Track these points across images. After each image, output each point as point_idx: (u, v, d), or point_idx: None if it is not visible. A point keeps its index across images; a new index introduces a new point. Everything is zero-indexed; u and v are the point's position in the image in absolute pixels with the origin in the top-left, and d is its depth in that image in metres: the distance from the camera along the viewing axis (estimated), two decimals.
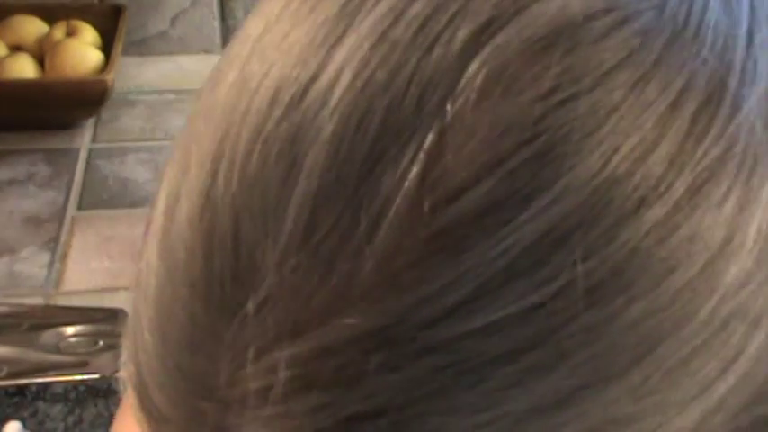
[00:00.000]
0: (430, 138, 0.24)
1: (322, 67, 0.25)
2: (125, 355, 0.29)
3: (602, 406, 0.25)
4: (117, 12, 1.37)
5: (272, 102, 0.25)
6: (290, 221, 0.24)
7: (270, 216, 0.25)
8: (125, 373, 0.29)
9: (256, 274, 0.25)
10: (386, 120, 0.24)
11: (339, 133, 0.24)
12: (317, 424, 0.24)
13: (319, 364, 0.24)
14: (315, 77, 0.25)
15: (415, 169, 0.24)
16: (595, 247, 0.24)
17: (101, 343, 0.92)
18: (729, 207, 0.25)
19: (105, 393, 0.85)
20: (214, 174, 0.26)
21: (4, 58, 1.27)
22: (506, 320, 0.24)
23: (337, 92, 0.25)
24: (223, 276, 0.25)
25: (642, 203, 0.24)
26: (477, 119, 0.24)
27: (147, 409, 0.28)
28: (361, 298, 0.24)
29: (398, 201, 0.24)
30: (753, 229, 0.25)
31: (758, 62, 0.26)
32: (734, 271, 0.25)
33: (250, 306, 0.25)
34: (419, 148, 0.24)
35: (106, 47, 1.31)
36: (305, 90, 0.25)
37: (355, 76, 0.25)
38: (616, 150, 0.24)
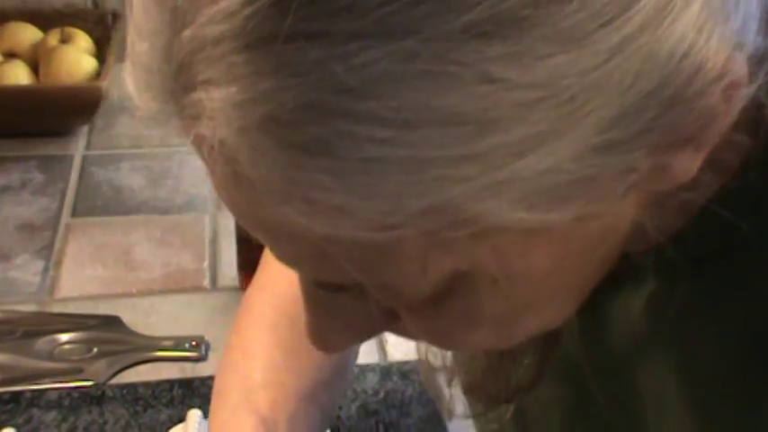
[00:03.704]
0: None
1: None
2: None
3: None
4: (111, 18, 1.37)
5: None
6: None
7: None
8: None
9: None
10: None
11: None
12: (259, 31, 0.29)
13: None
14: None
15: None
16: None
17: (95, 350, 0.92)
18: None
19: (99, 400, 0.85)
20: None
21: None
22: None
23: None
24: None
25: None
26: None
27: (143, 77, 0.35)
28: None
29: None
30: None
31: None
32: None
33: None
34: None
35: (100, 54, 1.31)
36: None
37: None
38: None
